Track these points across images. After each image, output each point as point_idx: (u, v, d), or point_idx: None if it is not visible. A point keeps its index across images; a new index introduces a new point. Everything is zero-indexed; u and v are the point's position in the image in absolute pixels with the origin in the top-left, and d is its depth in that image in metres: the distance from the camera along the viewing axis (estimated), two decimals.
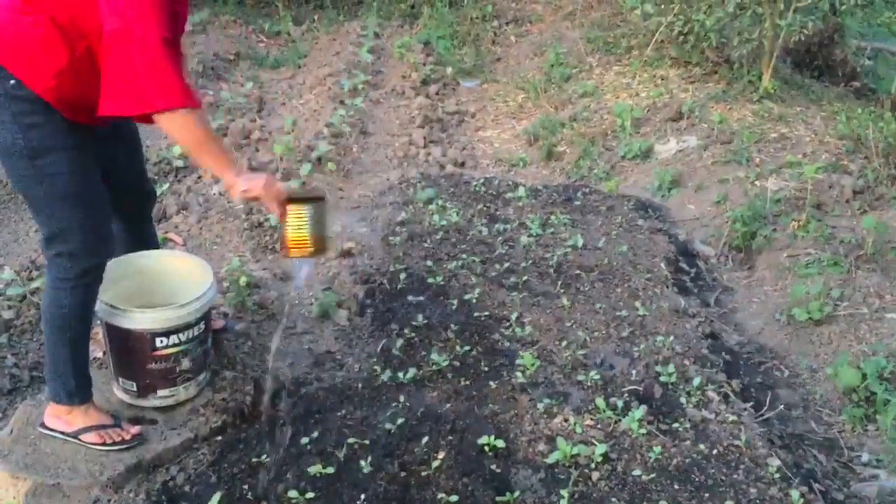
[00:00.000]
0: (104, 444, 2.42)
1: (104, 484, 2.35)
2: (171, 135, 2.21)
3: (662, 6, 6.90)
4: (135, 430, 2.50)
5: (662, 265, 3.94)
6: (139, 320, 2.47)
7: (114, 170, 2.50)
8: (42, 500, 2.31)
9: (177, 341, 2.53)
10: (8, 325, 3.35)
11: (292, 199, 2.35)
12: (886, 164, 4.68)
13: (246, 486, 2.43)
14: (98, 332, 2.66)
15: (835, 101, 6.44)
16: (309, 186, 4.62)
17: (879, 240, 3.91)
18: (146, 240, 2.81)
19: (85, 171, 2.26)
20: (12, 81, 2.10)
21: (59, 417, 2.44)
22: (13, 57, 2.10)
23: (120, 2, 2.01)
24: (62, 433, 2.45)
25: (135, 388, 2.59)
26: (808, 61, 7.80)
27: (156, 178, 5.18)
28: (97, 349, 2.81)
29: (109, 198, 2.41)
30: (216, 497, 2.33)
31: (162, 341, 2.50)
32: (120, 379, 2.60)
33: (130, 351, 2.52)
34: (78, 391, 2.44)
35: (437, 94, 7.51)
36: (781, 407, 3.05)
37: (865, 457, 2.84)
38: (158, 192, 4.79)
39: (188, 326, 2.53)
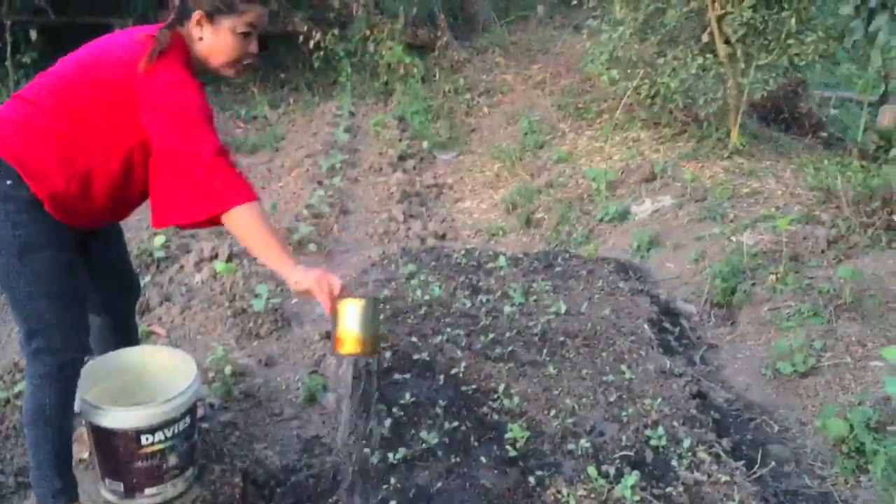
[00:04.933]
0: None
1: None
2: (235, 231, 2.18)
3: (629, 71, 7.08)
4: None
5: (646, 326, 3.96)
6: (123, 419, 2.45)
7: (97, 263, 2.54)
8: None
9: (163, 437, 2.51)
10: None
11: (345, 296, 2.26)
12: (857, 213, 4.76)
13: None
14: (84, 433, 2.65)
15: (803, 153, 6.57)
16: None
17: (857, 288, 3.96)
18: (129, 336, 2.83)
19: (68, 269, 2.31)
20: (9, 181, 2.15)
21: None
22: (22, 157, 2.14)
23: (175, 121, 2.12)
24: None
25: (122, 489, 2.56)
26: (774, 115, 8.01)
27: (137, 269, 5.18)
28: (83, 450, 2.79)
29: (94, 292, 2.48)
30: None
31: (148, 438, 2.48)
32: (107, 480, 2.57)
33: (116, 450, 2.50)
34: (64, 490, 2.42)
35: (414, 168, 7.63)
36: (773, 463, 3.04)
37: None
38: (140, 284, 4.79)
39: (174, 422, 2.52)
